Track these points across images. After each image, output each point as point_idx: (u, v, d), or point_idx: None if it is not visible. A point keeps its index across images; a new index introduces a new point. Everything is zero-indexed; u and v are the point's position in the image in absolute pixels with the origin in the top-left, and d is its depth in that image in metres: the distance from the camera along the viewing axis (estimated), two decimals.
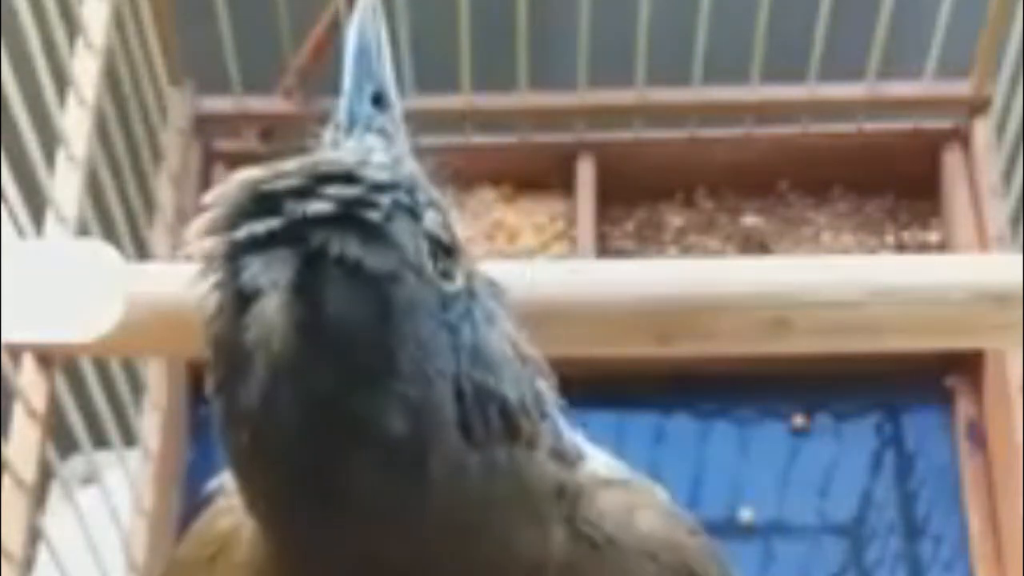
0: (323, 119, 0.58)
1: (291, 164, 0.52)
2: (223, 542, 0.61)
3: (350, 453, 0.50)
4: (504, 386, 0.53)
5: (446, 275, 0.52)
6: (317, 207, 0.50)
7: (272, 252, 0.49)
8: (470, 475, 0.52)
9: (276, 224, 0.50)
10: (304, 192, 0.50)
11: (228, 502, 0.62)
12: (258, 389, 0.49)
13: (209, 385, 0.52)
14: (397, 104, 0.58)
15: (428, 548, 0.53)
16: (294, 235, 0.49)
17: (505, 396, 0.53)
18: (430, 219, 0.52)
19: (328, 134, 0.56)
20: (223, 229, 0.51)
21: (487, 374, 0.53)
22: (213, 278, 0.51)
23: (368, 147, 0.55)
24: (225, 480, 0.63)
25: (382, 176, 0.52)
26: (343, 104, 0.57)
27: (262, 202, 0.50)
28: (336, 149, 0.55)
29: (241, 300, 0.50)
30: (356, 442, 0.50)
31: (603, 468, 0.62)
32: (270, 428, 0.50)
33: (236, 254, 0.50)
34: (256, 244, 0.50)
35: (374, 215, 0.50)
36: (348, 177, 0.51)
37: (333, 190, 0.50)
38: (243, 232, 0.50)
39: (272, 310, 0.49)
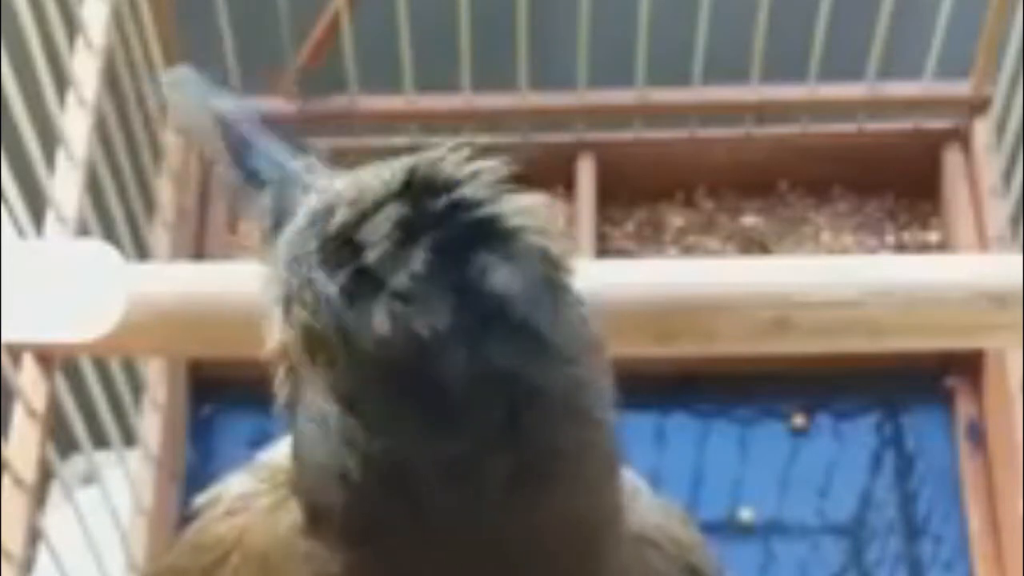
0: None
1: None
2: (225, 548, 0.61)
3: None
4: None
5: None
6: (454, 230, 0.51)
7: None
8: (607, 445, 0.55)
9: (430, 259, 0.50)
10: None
11: (228, 509, 0.61)
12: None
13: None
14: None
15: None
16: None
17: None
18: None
19: (270, 194, 0.56)
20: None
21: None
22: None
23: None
24: (221, 490, 0.63)
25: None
26: (283, 161, 0.57)
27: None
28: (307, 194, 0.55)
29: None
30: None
31: None
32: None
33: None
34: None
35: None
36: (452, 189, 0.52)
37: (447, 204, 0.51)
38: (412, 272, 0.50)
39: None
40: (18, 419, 1.05)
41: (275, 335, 0.55)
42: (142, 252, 1.40)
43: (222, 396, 1.46)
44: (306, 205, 0.54)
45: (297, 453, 0.55)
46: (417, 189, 0.51)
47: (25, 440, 1.04)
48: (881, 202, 1.61)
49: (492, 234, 0.51)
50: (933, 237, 1.59)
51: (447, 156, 0.53)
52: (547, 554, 0.54)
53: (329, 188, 0.54)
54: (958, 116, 1.58)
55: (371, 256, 0.50)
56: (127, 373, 1.30)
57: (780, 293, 0.83)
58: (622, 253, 1.58)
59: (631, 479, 0.63)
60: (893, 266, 0.88)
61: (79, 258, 0.85)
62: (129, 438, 1.32)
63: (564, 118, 1.58)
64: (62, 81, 1.23)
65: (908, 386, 1.49)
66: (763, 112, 1.58)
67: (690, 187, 1.62)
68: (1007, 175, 1.50)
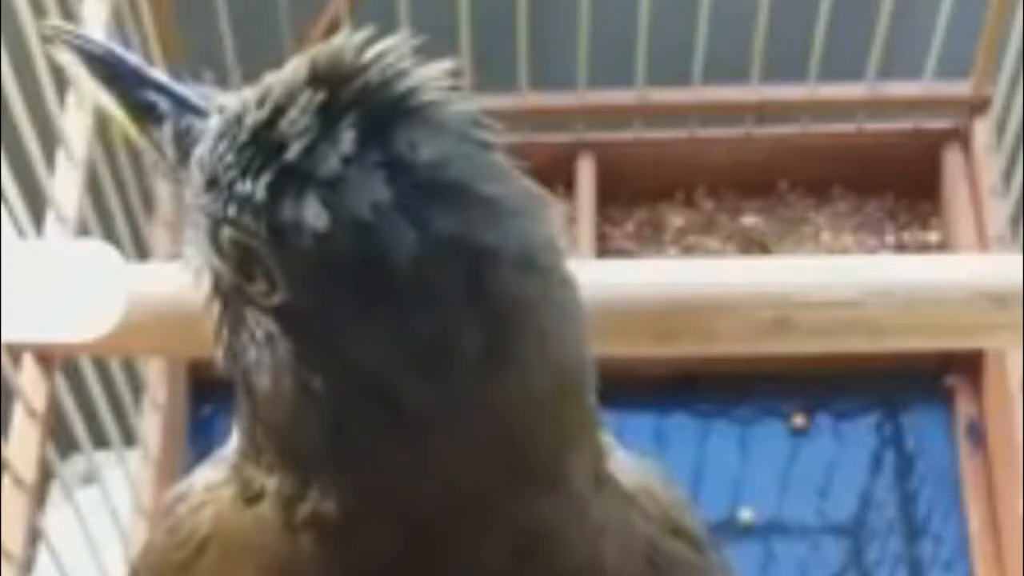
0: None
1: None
2: (197, 542, 0.59)
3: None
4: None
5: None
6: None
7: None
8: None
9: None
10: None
11: (197, 502, 0.60)
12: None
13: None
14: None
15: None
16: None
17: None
18: None
19: (170, 124, 0.53)
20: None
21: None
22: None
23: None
24: (188, 485, 0.61)
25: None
26: (176, 91, 0.54)
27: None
28: (205, 127, 0.52)
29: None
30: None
31: None
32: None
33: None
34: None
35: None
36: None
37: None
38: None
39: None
40: (18, 419, 1.05)
41: (204, 272, 0.52)
42: (142, 252, 1.40)
43: (222, 396, 1.45)
44: (211, 125, 0.51)
45: (250, 392, 0.53)
46: (323, 79, 0.49)
47: (25, 440, 1.04)
48: (881, 202, 1.61)
49: (410, 108, 0.49)
50: (933, 237, 1.59)
51: (345, 43, 0.50)
52: (523, 436, 0.51)
53: (230, 103, 0.51)
54: (958, 116, 1.58)
55: (295, 149, 0.48)
56: (127, 373, 1.30)
57: (780, 293, 0.83)
58: (622, 253, 1.58)
59: (610, 439, 0.61)
60: (893, 266, 0.87)
61: (79, 258, 0.85)
62: (129, 438, 1.32)
63: (564, 118, 1.58)
64: (62, 81, 1.23)
65: (908, 386, 1.49)
66: (763, 112, 1.58)
67: (690, 187, 1.62)
68: (1007, 175, 1.50)
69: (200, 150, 0.51)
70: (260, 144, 0.49)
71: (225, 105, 0.52)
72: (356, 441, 0.50)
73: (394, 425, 0.49)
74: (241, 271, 0.50)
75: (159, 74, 0.55)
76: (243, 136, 0.49)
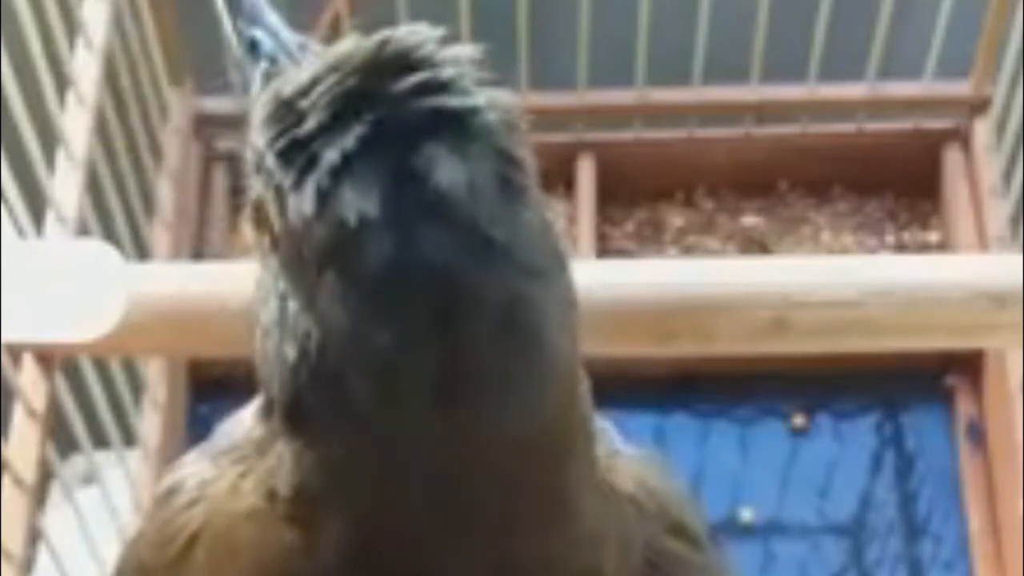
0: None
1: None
2: (187, 539, 0.58)
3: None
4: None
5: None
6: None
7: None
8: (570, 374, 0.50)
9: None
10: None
11: (189, 499, 0.59)
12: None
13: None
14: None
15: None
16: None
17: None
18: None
19: (264, 65, 0.53)
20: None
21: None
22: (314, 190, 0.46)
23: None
24: (180, 479, 0.60)
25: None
26: (282, 36, 0.54)
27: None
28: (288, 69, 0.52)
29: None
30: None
31: None
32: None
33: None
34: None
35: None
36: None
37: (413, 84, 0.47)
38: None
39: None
40: (18, 419, 1.05)
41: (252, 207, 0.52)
42: (142, 252, 1.40)
43: (222, 396, 1.46)
44: (283, 74, 0.51)
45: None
46: (380, 62, 0.48)
47: (25, 440, 1.04)
48: (881, 202, 1.61)
49: (451, 123, 0.47)
50: (933, 237, 1.59)
51: (428, 35, 0.49)
52: (499, 488, 0.49)
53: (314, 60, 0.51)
54: (958, 116, 1.58)
55: (307, 126, 0.47)
56: (127, 373, 1.30)
57: (780, 293, 0.83)
58: (622, 253, 1.58)
59: (605, 430, 0.59)
60: (893, 266, 0.87)
61: (79, 258, 0.85)
62: (129, 438, 1.32)
63: (564, 118, 1.58)
64: (62, 81, 1.23)
65: (908, 386, 1.49)
66: (763, 112, 1.58)
67: (690, 187, 1.62)
68: (1007, 175, 1.50)
69: (262, 95, 0.50)
70: (288, 109, 0.48)
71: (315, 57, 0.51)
72: (312, 415, 0.49)
73: (343, 419, 0.48)
74: (255, 215, 0.50)
75: (274, 16, 0.55)
76: (282, 94, 0.49)
